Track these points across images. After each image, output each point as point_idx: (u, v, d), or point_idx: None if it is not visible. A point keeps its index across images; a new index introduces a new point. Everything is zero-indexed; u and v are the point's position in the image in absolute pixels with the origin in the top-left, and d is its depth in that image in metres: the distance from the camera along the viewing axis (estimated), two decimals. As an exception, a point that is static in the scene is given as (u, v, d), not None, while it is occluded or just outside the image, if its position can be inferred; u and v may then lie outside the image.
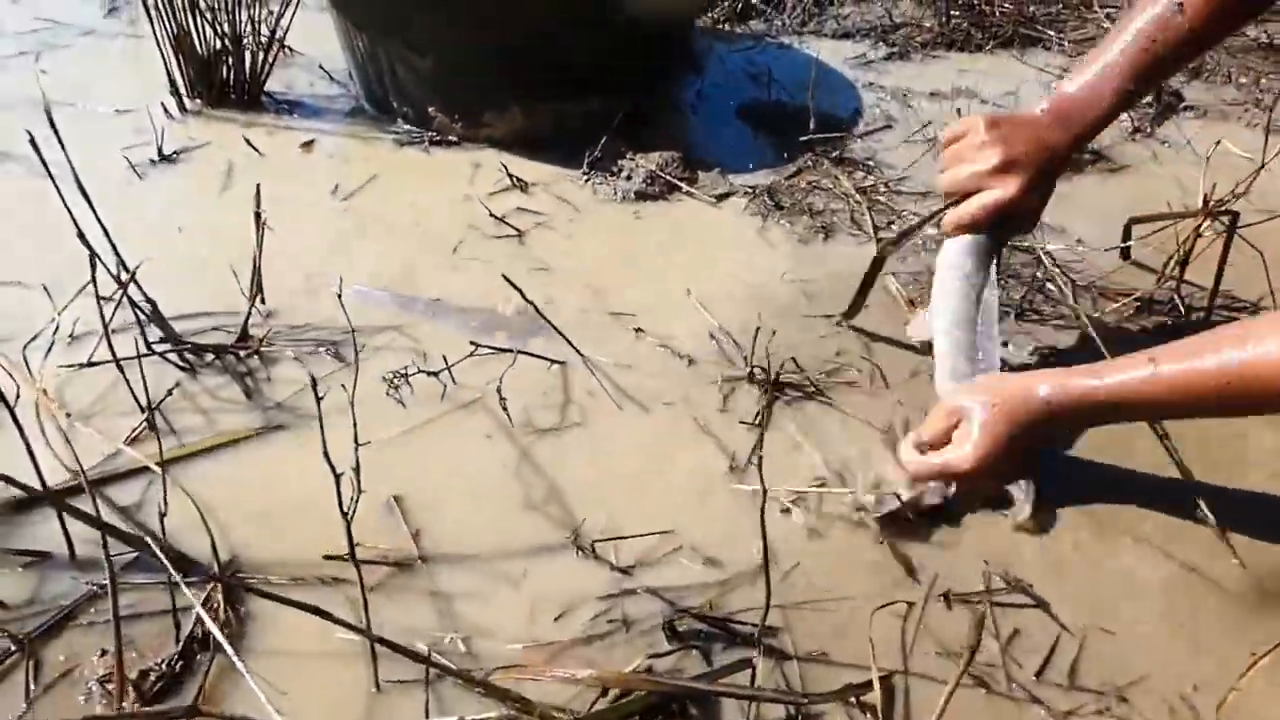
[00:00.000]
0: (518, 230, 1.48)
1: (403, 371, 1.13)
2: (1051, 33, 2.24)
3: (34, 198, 1.50)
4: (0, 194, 1.53)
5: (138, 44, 2.07)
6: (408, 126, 1.74)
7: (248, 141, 1.66)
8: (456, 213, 1.52)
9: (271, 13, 1.77)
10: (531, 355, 1.19)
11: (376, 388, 1.17)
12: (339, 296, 1.11)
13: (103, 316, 1.08)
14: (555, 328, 1.24)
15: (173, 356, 1.18)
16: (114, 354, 1.09)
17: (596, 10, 1.60)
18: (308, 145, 1.69)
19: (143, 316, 1.15)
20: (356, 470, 0.83)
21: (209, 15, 1.72)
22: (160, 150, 1.63)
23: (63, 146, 1.07)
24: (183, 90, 1.78)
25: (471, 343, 1.15)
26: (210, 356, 1.19)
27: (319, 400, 0.85)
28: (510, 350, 1.17)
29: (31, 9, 2.20)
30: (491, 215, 1.49)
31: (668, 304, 1.34)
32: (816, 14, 2.35)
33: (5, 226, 1.45)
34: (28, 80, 1.90)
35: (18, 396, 1.08)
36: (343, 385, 0.98)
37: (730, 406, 1.18)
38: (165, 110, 1.76)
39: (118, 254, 1.12)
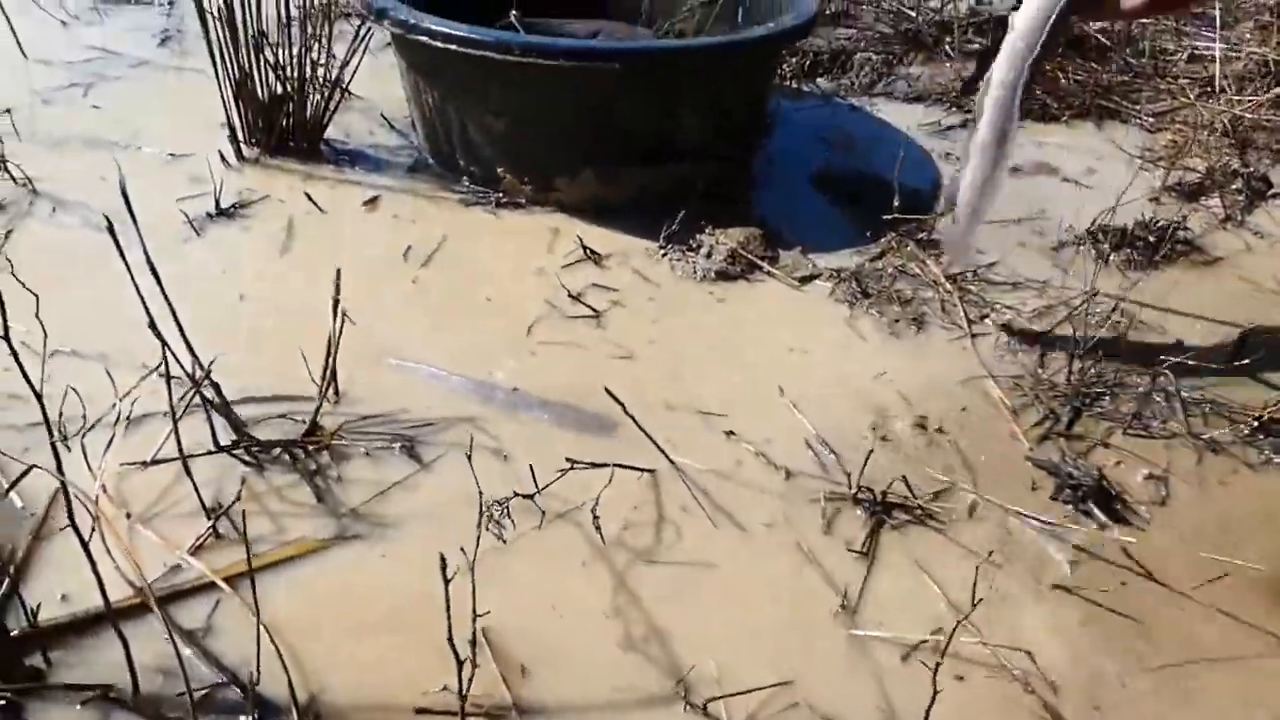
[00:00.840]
0: (595, 311, 1.40)
1: (503, 502, 1.03)
2: (1128, 104, 2.18)
3: (90, 254, 1.43)
4: (54, 246, 1.46)
5: (191, 79, 2.01)
6: (474, 185, 1.67)
7: (309, 197, 1.59)
8: (531, 287, 1.45)
9: (334, 57, 1.70)
10: (628, 468, 1.11)
11: (456, 492, 1.09)
12: (397, 369, 1.03)
13: (174, 419, 1.00)
14: (649, 436, 1.15)
15: (239, 450, 1.11)
16: (182, 455, 1.01)
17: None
18: (371, 203, 1.62)
19: (211, 407, 1.07)
20: (473, 646, 0.74)
21: (273, 59, 1.66)
22: (218, 203, 1.55)
23: (133, 218, 0.98)
24: (240, 137, 1.71)
25: (568, 460, 1.07)
26: (278, 450, 1.11)
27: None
28: (606, 465, 1.08)
29: (81, 36, 2.14)
30: (570, 295, 1.42)
31: (758, 401, 1.26)
32: (885, 74, 2.28)
33: (59, 284, 1.37)
34: (78, 114, 1.84)
35: (78, 497, 1.00)
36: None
37: (834, 529, 1.10)
38: (222, 157, 1.69)
39: (191, 349, 1.05)
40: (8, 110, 1.78)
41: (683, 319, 1.42)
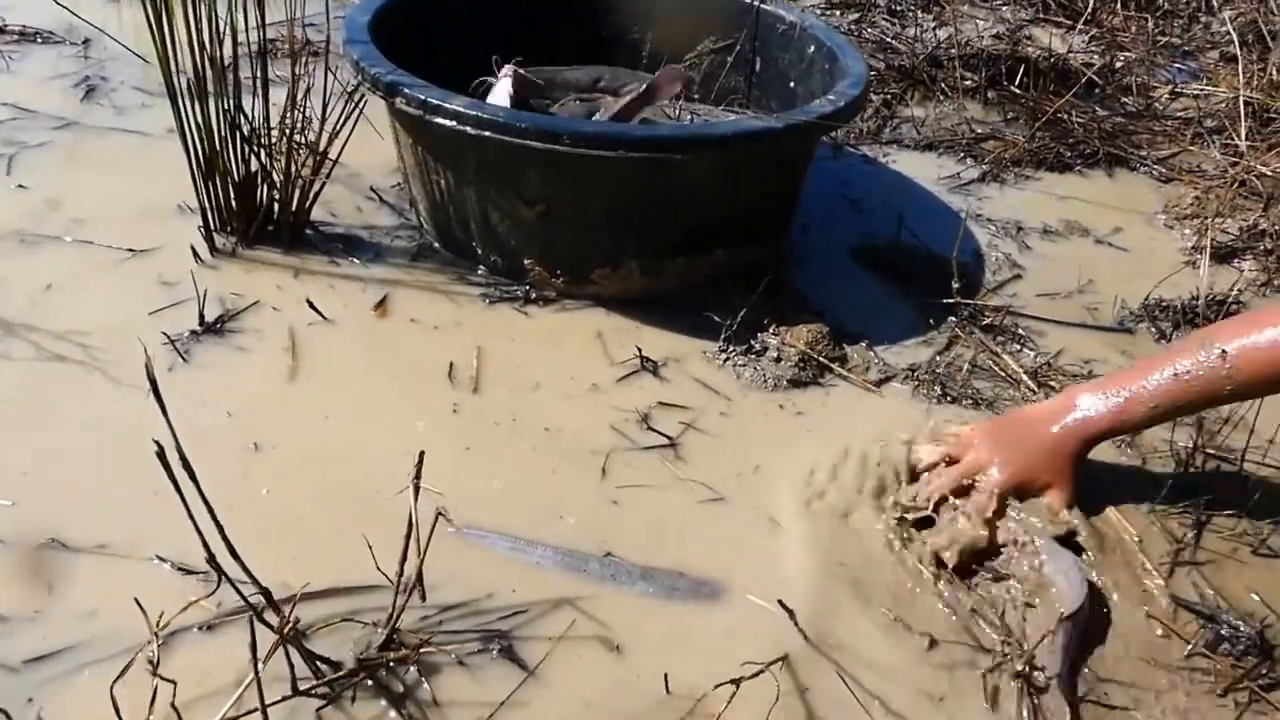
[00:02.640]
0: (669, 439, 1.23)
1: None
2: (1134, 150, 2.13)
3: (54, 393, 1.18)
4: (4, 388, 1.20)
5: (131, 145, 1.73)
6: (494, 275, 1.47)
7: (311, 305, 1.36)
8: (590, 410, 1.27)
9: (309, 121, 1.45)
10: (765, 669, 0.95)
11: (572, 704, 0.92)
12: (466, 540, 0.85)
13: (259, 683, 0.79)
14: (796, 622, 1.00)
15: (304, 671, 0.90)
16: (265, 715, 0.80)
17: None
18: (381, 306, 1.40)
19: (285, 642, 0.86)
20: None
21: (247, 133, 1.41)
22: (202, 317, 1.31)
23: (160, 405, 0.77)
24: (212, 224, 1.46)
25: (728, 684, 0.90)
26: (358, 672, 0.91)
27: None
28: (746, 677, 0.92)
29: (-11, 91, 1.82)
30: (639, 420, 1.25)
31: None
32: (889, 116, 2.17)
33: (17, 439, 1.12)
34: (2, 198, 1.54)
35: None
36: None
37: (1002, 708, 0.97)
38: (194, 252, 1.43)
39: (244, 566, 0.83)
40: (-90, 194, 1.48)
41: (765, 440, 1.25)
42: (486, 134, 1.26)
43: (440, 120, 1.28)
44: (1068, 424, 1.15)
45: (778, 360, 1.37)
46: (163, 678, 0.78)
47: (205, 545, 0.79)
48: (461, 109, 1.26)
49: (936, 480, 1.17)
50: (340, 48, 1.45)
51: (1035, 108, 2.21)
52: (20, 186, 1.56)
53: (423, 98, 1.28)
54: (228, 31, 1.34)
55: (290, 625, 0.81)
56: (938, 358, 1.44)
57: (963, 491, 1.16)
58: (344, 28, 1.47)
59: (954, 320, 1.51)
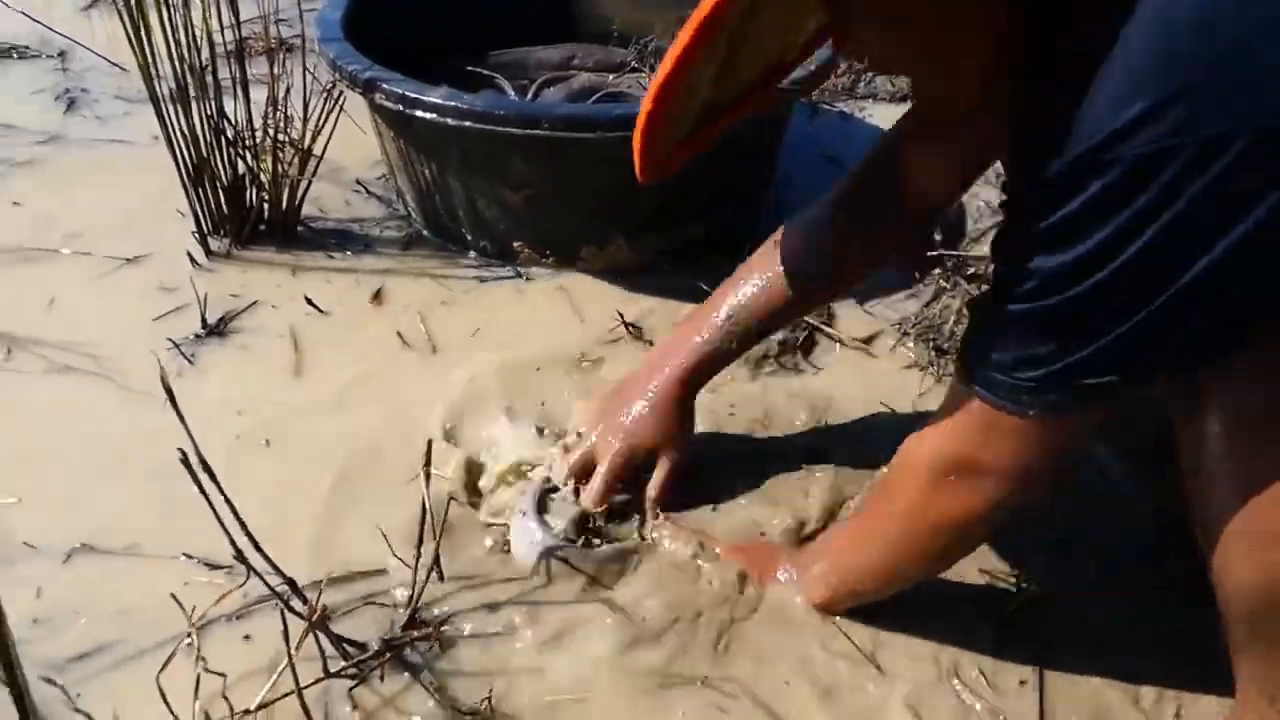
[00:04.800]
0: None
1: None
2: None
3: (65, 406, 1.22)
4: (18, 401, 1.23)
5: (118, 154, 1.75)
6: (484, 259, 1.51)
7: (309, 300, 1.39)
8: (584, 377, 1.31)
9: (290, 117, 1.47)
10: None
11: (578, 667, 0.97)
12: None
13: (295, 672, 0.84)
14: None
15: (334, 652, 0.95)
16: (301, 696, 0.85)
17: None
18: (377, 296, 1.43)
19: (315, 629, 0.90)
20: None
21: (233, 137, 1.44)
22: (204, 319, 1.35)
23: (178, 414, 0.81)
24: (205, 228, 1.49)
25: None
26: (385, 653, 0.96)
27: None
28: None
29: (-29, 109, 1.84)
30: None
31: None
32: (862, 71, 2.19)
33: (40, 452, 1.16)
34: (-1, 214, 1.57)
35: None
36: None
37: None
38: (190, 257, 1.47)
39: (265, 556, 0.88)
40: (-92, 217, 1.51)
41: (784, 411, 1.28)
42: (467, 124, 1.29)
43: (420, 114, 1.31)
44: (664, 373, 1.11)
45: (766, 324, 1.41)
46: (209, 669, 0.83)
47: (232, 541, 0.83)
48: (441, 100, 1.29)
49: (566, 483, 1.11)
50: (315, 45, 1.47)
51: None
52: (15, 204, 1.59)
53: (401, 92, 1.31)
54: (204, 38, 1.36)
55: (319, 613, 0.86)
56: (924, 310, 1.48)
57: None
58: (317, 25, 1.49)
59: (939, 272, 1.55)
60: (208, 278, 1.45)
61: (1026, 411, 0.76)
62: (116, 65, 1.96)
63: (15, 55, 2.03)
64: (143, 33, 1.32)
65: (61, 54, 2.05)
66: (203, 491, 0.81)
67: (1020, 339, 0.74)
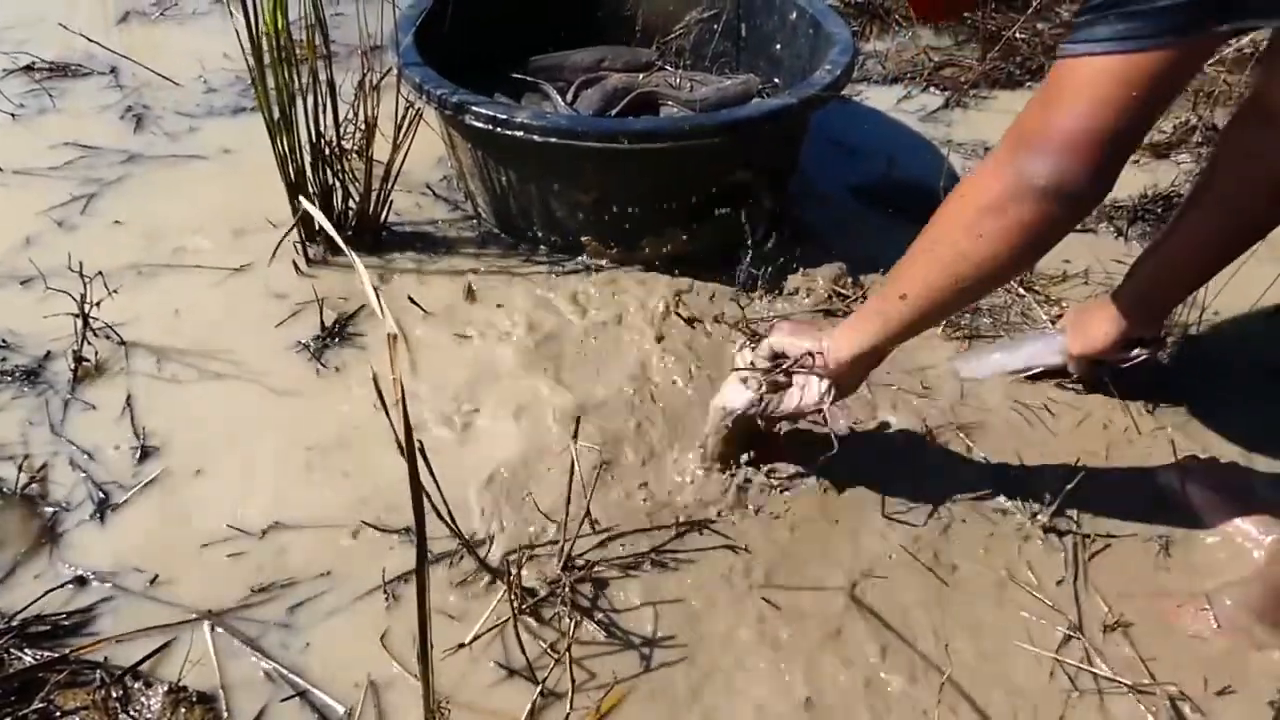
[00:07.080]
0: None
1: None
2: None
3: (225, 410, 1.39)
4: (183, 409, 1.40)
5: (198, 170, 1.89)
6: (553, 254, 1.70)
7: (411, 299, 1.57)
8: (658, 351, 1.51)
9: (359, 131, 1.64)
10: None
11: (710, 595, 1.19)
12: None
13: (514, 611, 1.05)
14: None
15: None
16: (516, 614, 1.06)
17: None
18: (470, 293, 1.62)
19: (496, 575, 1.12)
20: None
21: (327, 154, 1.60)
22: (323, 324, 1.52)
23: (405, 423, 1.00)
24: (303, 237, 1.66)
25: None
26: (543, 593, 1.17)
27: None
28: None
29: (41, 128, 1.96)
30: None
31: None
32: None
33: (224, 452, 1.34)
34: (103, 235, 1.71)
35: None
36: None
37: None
38: (295, 265, 1.64)
39: (452, 523, 1.08)
40: (27, 240, 1.65)
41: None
42: (552, 140, 1.47)
43: (508, 132, 1.49)
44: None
45: (810, 296, 1.63)
46: (435, 613, 1.04)
47: (436, 511, 1.03)
48: (528, 120, 1.47)
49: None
50: (397, 69, 1.63)
51: (980, 28, 2.45)
52: (116, 223, 1.73)
53: (491, 113, 1.49)
54: (308, 65, 1.51)
55: (515, 575, 1.07)
56: (939, 278, 1.71)
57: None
58: (396, 52, 1.65)
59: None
60: (313, 283, 1.62)
61: (1100, 48, 0.82)
62: (168, 79, 2.08)
63: (71, 74, 2.14)
64: (262, 74, 1.47)
65: (113, 70, 2.17)
66: (414, 472, 1.00)
67: None
